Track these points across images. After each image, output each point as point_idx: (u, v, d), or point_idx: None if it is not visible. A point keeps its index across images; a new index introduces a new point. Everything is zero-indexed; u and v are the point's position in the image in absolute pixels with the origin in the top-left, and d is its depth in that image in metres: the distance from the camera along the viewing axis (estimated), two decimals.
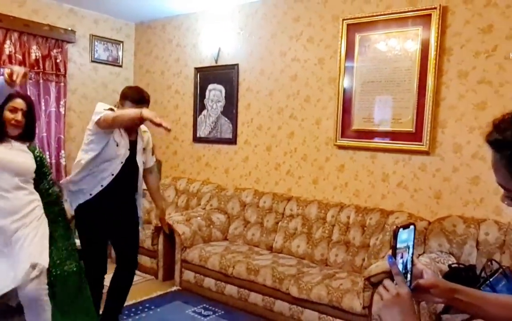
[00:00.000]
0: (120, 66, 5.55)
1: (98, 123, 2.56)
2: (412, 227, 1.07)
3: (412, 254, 1.08)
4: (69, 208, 2.86)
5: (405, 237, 1.05)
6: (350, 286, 3.12)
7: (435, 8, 3.37)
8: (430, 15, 3.40)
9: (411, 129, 3.53)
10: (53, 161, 4.85)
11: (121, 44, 5.51)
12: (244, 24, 4.58)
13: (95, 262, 2.83)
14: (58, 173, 4.89)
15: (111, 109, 2.63)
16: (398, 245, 1.04)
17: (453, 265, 2.96)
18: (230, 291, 3.64)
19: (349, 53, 3.83)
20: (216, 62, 4.80)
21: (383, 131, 3.70)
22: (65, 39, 4.90)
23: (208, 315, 3.51)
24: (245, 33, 4.57)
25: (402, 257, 1.05)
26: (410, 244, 1.07)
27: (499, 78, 3.18)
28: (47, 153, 4.77)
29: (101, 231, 2.81)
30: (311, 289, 3.16)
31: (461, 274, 2.85)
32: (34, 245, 2.39)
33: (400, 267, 1.05)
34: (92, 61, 5.26)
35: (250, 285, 3.50)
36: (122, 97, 2.78)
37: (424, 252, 3.18)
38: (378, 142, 3.73)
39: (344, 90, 3.87)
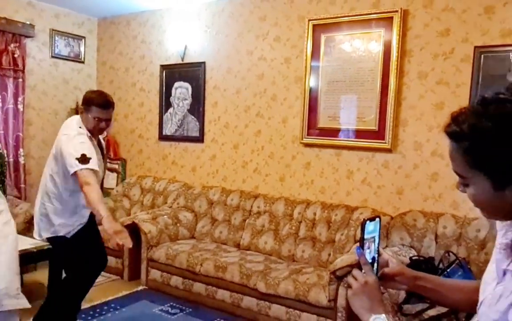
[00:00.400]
0: (82, 62, 5.40)
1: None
2: (377, 219, 1.12)
3: (378, 244, 1.13)
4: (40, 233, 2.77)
5: (372, 228, 1.11)
6: (316, 280, 3.19)
7: (396, 11, 3.50)
8: (392, 18, 3.53)
9: (374, 128, 3.65)
10: (11, 160, 4.66)
11: (83, 40, 5.36)
12: (210, 22, 4.57)
13: (91, 273, 2.80)
14: (16, 171, 4.70)
15: (83, 157, 2.48)
16: (366, 236, 1.09)
17: (413, 258, 3.09)
18: (197, 288, 3.63)
19: (315, 53, 3.91)
20: (182, 59, 4.77)
21: (347, 130, 3.80)
22: (23, 33, 4.71)
23: (176, 313, 3.49)
24: (212, 31, 4.57)
25: (369, 248, 1.10)
26: (376, 235, 1.12)
27: (455, 79, 3.34)
28: (5, 151, 4.58)
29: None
30: (278, 284, 3.21)
31: (421, 265, 2.98)
32: (7, 252, 2.33)
33: (368, 257, 1.10)
34: (53, 56, 5.09)
35: (218, 282, 3.51)
36: (87, 103, 2.67)
37: (386, 246, 3.30)
38: (342, 140, 3.83)
39: (310, 89, 3.94)
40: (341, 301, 2.94)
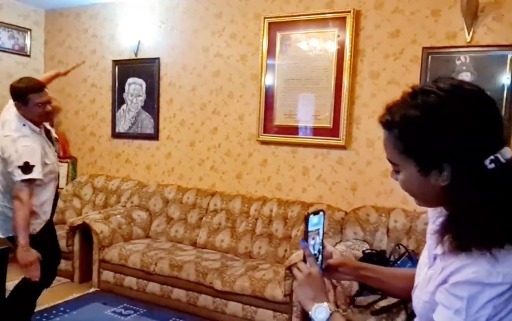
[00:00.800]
0: (28, 56, 5.13)
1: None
2: (321, 213, 1.16)
3: (323, 237, 1.16)
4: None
5: (316, 221, 1.14)
6: (273, 276, 3.21)
7: (349, 11, 3.58)
8: (345, 18, 3.61)
9: (329, 125, 3.72)
10: None
11: (29, 32, 5.10)
12: (165, 17, 4.48)
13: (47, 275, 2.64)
14: None
15: (26, 166, 2.35)
16: (310, 229, 1.12)
17: (366, 251, 3.18)
18: (152, 288, 3.55)
19: (271, 51, 3.93)
20: (135, 55, 4.64)
21: (303, 127, 3.85)
22: None
23: (129, 314, 3.39)
24: (167, 27, 4.48)
25: (313, 240, 1.14)
26: (320, 227, 1.16)
27: (405, 79, 3.47)
28: None
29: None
30: (234, 281, 3.20)
31: (373, 258, 3.07)
32: None
33: (312, 249, 1.13)
34: None
35: (173, 281, 3.45)
36: (21, 96, 2.46)
37: (341, 240, 3.37)
38: (298, 137, 3.87)
39: (266, 87, 3.96)
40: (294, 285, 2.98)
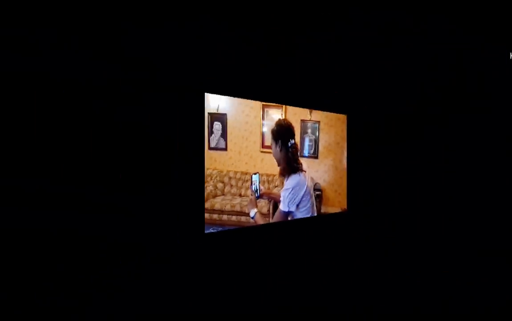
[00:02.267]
0: None
1: None
2: (258, 173, 3.42)
3: (259, 182, 3.37)
4: None
5: (255, 178, 3.33)
6: None
7: None
8: None
9: None
10: None
11: None
12: None
13: None
14: None
15: None
16: (253, 180, 3.31)
17: None
18: None
19: None
20: None
21: None
22: None
23: None
24: None
25: (254, 184, 3.33)
26: (257, 179, 3.35)
27: None
28: None
29: None
30: None
31: None
32: None
33: (254, 188, 3.32)
34: None
35: None
36: None
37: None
38: None
39: None
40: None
